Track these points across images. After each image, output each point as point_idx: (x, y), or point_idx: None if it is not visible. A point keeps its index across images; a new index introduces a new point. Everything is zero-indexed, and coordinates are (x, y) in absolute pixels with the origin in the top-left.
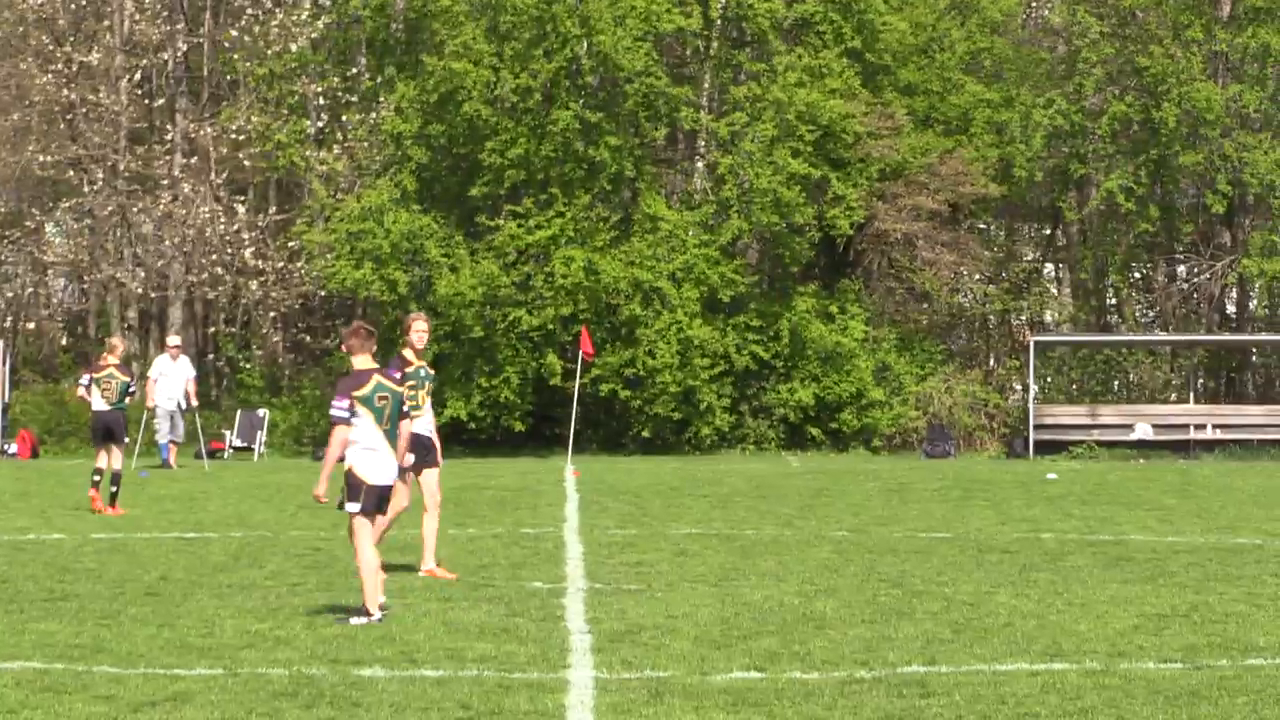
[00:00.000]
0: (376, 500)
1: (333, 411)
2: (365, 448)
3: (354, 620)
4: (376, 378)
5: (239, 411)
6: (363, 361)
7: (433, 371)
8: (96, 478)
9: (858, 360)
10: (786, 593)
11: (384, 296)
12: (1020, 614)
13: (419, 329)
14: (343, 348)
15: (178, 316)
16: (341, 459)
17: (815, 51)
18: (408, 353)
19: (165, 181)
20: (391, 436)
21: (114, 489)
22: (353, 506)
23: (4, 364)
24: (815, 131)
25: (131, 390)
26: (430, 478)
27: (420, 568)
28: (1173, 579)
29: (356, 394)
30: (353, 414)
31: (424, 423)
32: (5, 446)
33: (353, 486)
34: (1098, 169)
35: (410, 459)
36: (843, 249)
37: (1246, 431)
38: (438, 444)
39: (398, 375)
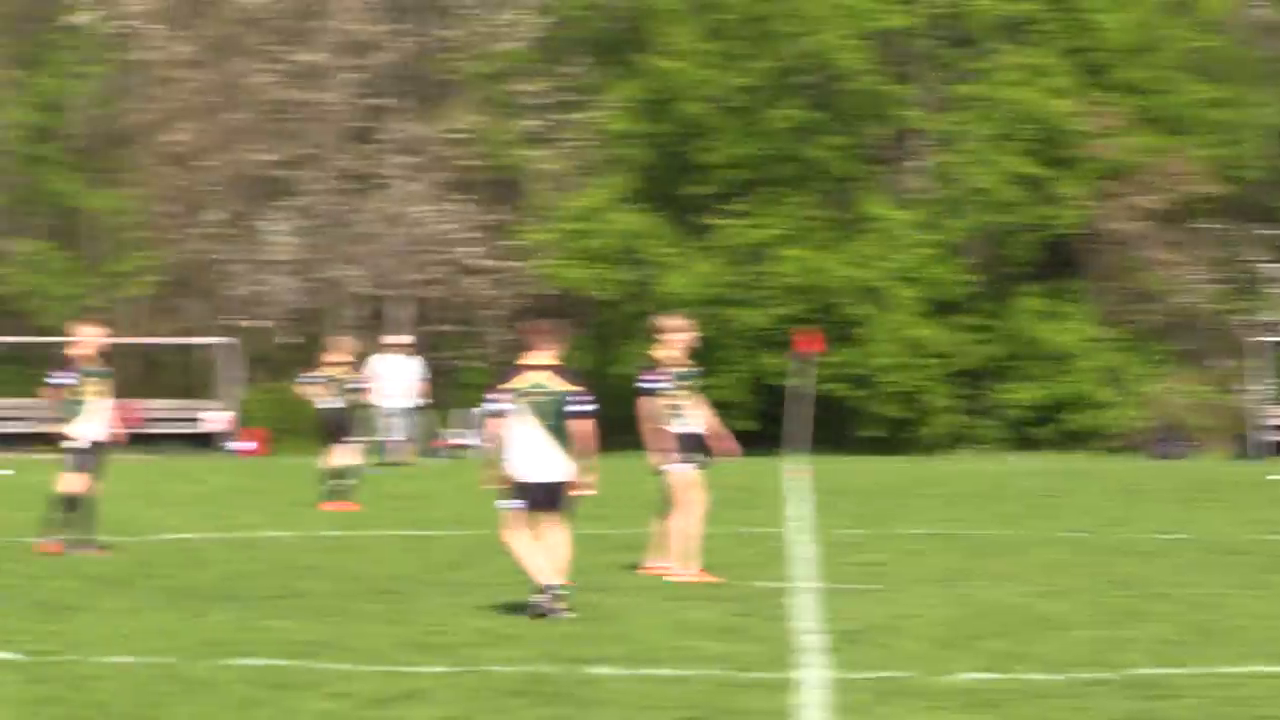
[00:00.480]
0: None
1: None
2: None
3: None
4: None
5: (461, 410)
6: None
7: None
8: (329, 478)
9: (1083, 360)
10: (1017, 593)
11: (604, 295)
12: (1255, 616)
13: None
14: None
15: (400, 315)
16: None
17: (1035, 49)
18: (665, 353)
19: (385, 181)
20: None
21: (343, 483)
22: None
23: (238, 363)
24: (1035, 130)
25: (356, 388)
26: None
27: (648, 564)
28: None
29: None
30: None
31: (691, 421)
32: (237, 444)
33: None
34: None
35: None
36: (1066, 248)
37: None
38: (710, 442)
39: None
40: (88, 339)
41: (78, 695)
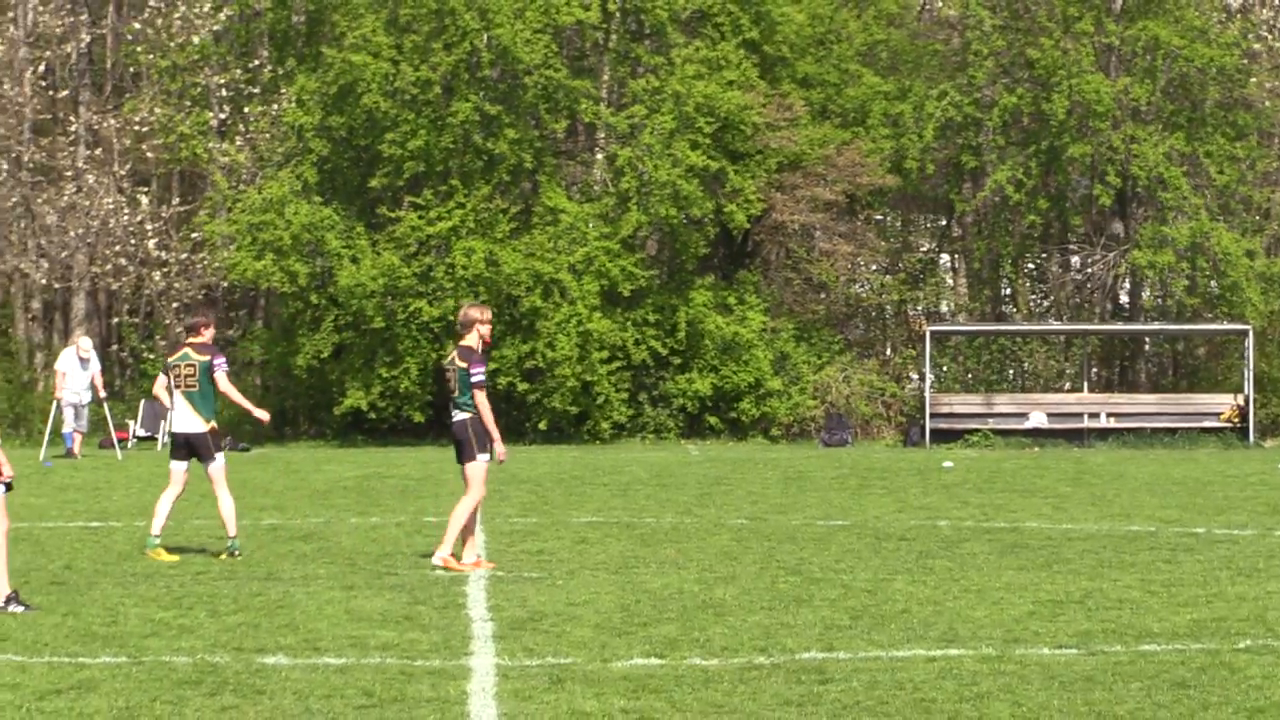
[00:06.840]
0: None
1: None
2: None
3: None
4: None
5: (143, 401)
6: None
7: (462, 364)
8: None
9: (756, 350)
10: (686, 580)
11: (284, 287)
12: (917, 600)
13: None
14: None
15: (81, 307)
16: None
17: (713, 43)
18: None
19: (69, 173)
20: None
21: None
22: None
23: None
24: (713, 123)
25: None
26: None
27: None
28: (1067, 566)
29: None
30: None
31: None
32: None
33: None
34: (990, 160)
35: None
36: (741, 240)
37: (1139, 420)
38: (471, 435)
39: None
40: None
41: None
